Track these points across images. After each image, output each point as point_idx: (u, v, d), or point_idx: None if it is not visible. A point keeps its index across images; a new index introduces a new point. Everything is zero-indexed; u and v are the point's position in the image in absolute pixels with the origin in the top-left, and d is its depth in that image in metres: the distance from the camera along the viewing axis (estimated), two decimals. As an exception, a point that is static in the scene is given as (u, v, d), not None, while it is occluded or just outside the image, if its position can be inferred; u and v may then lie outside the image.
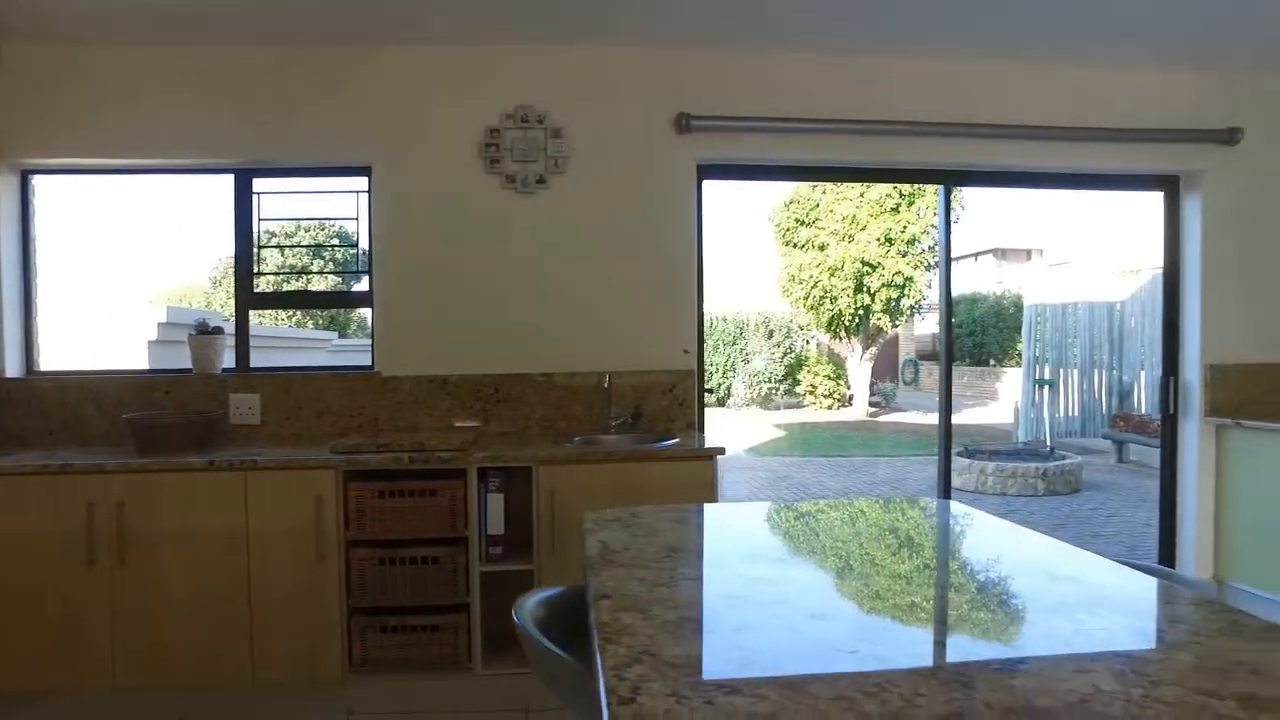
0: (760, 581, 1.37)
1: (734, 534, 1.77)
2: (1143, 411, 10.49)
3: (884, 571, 1.48)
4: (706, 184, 3.65)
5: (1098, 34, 3.44)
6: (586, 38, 3.42)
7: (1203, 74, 3.89)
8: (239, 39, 3.30)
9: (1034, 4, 3.15)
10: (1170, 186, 4.05)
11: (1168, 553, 4.10)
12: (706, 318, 14.66)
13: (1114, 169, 3.91)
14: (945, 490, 3.95)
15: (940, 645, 1.13)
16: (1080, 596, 1.31)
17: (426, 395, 3.43)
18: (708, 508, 2.00)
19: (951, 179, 3.88)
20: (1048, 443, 10.26)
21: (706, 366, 15.59)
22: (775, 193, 15.16)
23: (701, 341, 3.64)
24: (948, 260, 3.93)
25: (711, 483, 2.89)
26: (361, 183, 3.49)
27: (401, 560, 2.84)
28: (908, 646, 1.10)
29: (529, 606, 1.37)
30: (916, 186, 12.74)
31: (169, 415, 3.16)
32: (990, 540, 1.73)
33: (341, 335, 13.20)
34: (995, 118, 3.67)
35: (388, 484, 2.83)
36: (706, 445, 2.97)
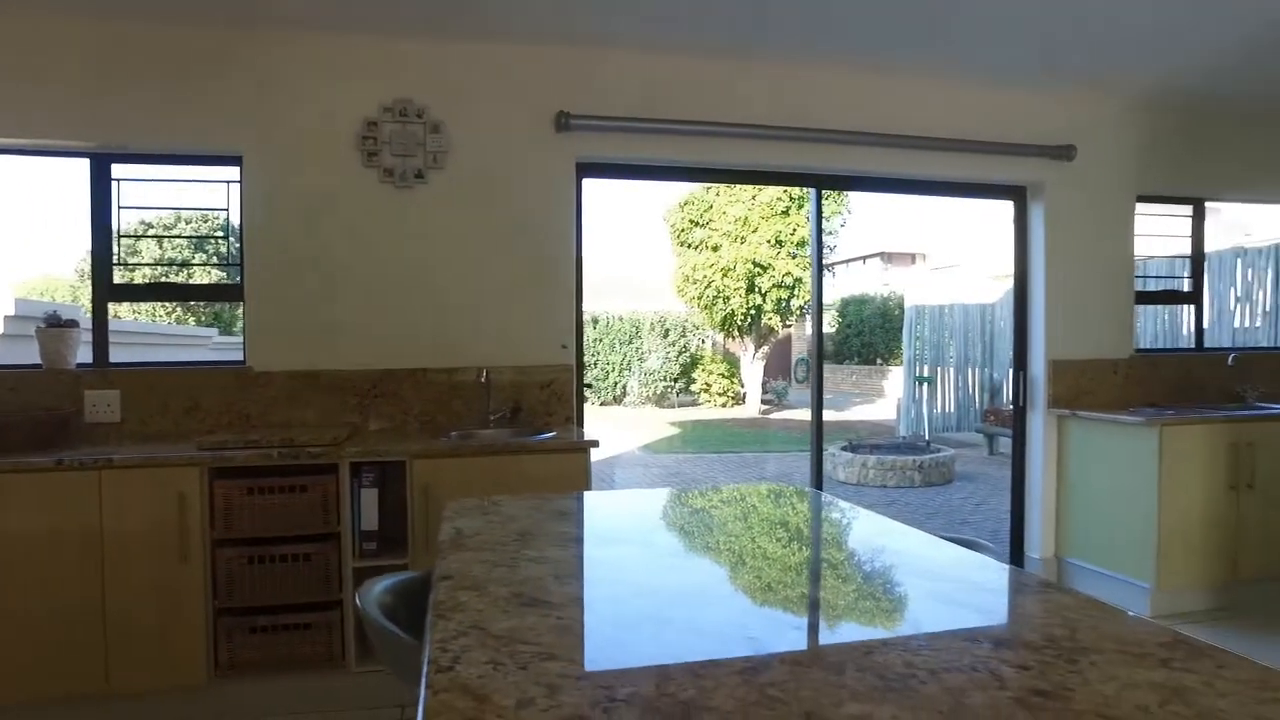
0: (598, 561, 1.44)
1: (589, 519, 1.84)
2: (1010, 406, 11.20)
3: (718, 549, 1.57)
4: (590, 182, 3.72)
5: (956, 54, 3.70)
6: (468, 33, 3.42)
7: (1044, 95, 4.22)
8: (94, 11, 3.14)
9: (898, 24, 3.36)
10: (1019, 196, 4.37)
11: (1018, 534, 4.43)
12: (603, 317, 14.60)
13: (970, 178, 4.19)
14: (818, 482, 4.14)
15: (755, 615, 1.22)
16: (889, 566, 1.44)
17: (300, 391, 3.36)
18: (571, 496, 2.06)
19: (822, 183, 4.07)
20: (926, 437, 10.81)
21: (603, 365, 15.77)
22: (671, 193, 15.41)
23: (580, 337, 3.70)
24: (819, 262, 4.13)
25: (585, 474, 2.95)
26: (232, 172, 3.38)
27: (271, 558, 2.79)
28: (732, 616, 1.19)
29: (376, 593, 1.40)
30: (805, 190, 13.19)
31: (13, 414, 2.99)
32: (824, 521, 1.85)
33: (224, 332, 12.63)
34: (863, 126, 3.87)
35: (256, 481, 2.78)
36: (581, 439, 3.03)
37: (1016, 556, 4.43)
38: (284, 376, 3.34)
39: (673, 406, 15.74)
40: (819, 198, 4.12)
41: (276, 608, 2.80)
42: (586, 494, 2.19)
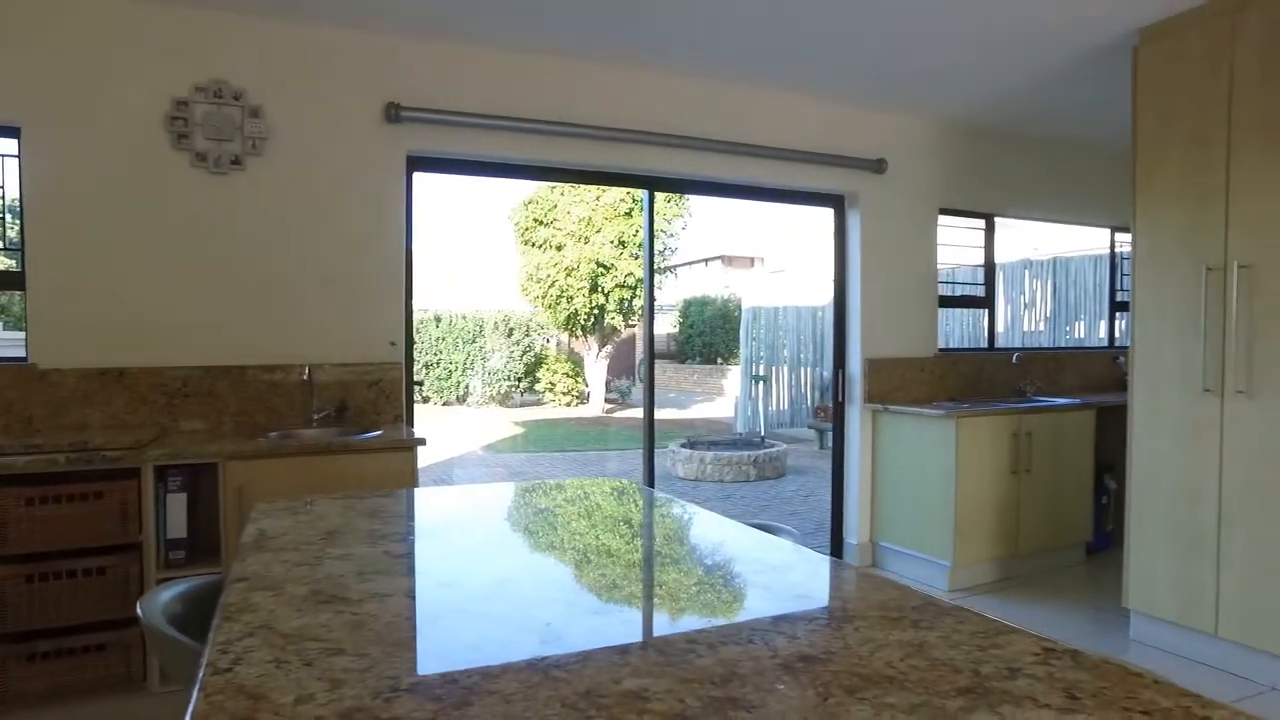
0: (406, 556, 1.43)
1: (404, 515, 1.81)
2: (837, 403, 11.91)
3: (530, 543, 1.60)
4: (434, 178, 3.64)
5: (786, 69, 3.90)
6: (293, 13, 3.26)
7: (862, 112, 4.54)
8: None
9: (733, 36, 3.50)
10: (838, 205, 4.67)
11: (838, 521, 4.73)
12: (446, 316, 14.17)
13: (794, 185, 4.43)
14: (650, 478, 4.25)
15: (556, 601, 1.25)
16: (704, 559, 1.51)
17: (97, 390, 3.08)
18: (389, 494, 2.02)
19: (655, 185, 4.19)
20: (761, 433, 11.31)
21: (446, 365, 15.40)
22: (516, 191, 15.29)
23: (410, 334, 3.62)
24: (650, 263, 4.24)
25: (412, 473, 2.90)
26: (9, 146, 3.05)
27: (56, 575, 2.55)
28: (525, 608, 1.21)
29: (163, 601, 1.32)
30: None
31: None
32: (650, 514, 1.92)
33: (9, 327, 11.30)
34: (697, 131, 4.02)
35: (38, 490, 2.52)
36: (408, 437, 2.97)
37: (836, 542, 4.73)
38: (76, 375, 3.06)
39: (517, 406, 15.62)
40: (651, 200, 4.23)
41: (63, 630, 2.56)
42: (404, 491, 2.15)
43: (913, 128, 4.73)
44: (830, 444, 11.35)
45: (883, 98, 4.40)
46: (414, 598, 1.19)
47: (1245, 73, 3.10)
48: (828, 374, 12.24)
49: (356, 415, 3.39)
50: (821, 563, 1.43)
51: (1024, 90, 4.24)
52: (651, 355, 4.28)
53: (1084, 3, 3.25)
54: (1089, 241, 5.94)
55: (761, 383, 12.03)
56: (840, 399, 4.71)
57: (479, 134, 3.60)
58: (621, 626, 1.13)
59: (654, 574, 1.39)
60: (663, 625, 1.12)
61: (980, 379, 5.04)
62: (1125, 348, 5.93)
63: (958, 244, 5.04)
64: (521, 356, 15.65)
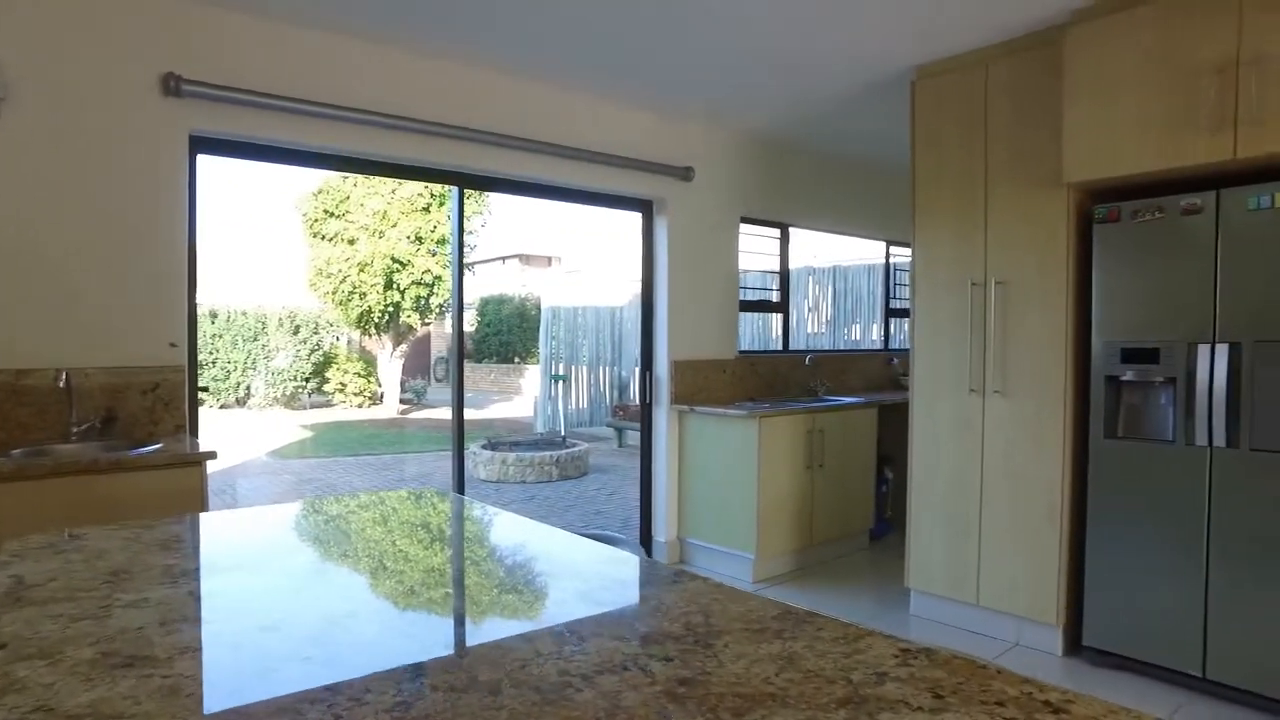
0: (218, 596, 1.24)
1: (206, 546, 1.59)
2: (637, 401, 12.19)
3: (356, 564, 1.45)
4: (206, 159, 3.25)
5: (603, 74, 3.88)
6: (35, -38, 2.78)
7: (672, 121, 4.64)
8: None
9: (551, 35, 3.43)
10: (647, 209, 4.74)
11: (647, 519, 4.81)
12: (223, 311, 12.92)
13: (606, 188, 4.44)
14: (460, 483, 4.09)
15: (397, 637, 1.14)
16: (531, 569, 1.44)
17: None
18: (182, 521, 1.76)
19: (465, 182, 4.03)
20: (562, 432, 11.32)
21: (224, 364, 14.04)
22: (305, 180, 14.24)
23: (194, 333, 3.22)
24: (460, 261, 4.08)
25: (199, 492, 2.57)
26: None
27: None
28: (371, 653, 1.09)
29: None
30: (447, 187, 13.05)
31: None
32: (460, 526, 1.82)
33: None
34: (511, 129, 3.90)
35: None
36: (194, 450, 2.63)
37: (645, 540, 4.80)
38: None
39: (304, 408, 14.55)
40: (461, 196, 4.07)
41: None
42: (203, 516, 1.89)
43: (718, 139, 4.90)
44: (629, 442, 11.64)
45: (691, 110, 4.53)
46: (238, 646, 1.02)
47: (996, 117, 3.49)
48: (626, 373, 12.50)
49: (128, 426, 2.96)
50: (669, 574, 1.42)
51: (816, 112, 4.53)
52: (460, 354, 4.12)
53: (864, 40, 3.51)
54: (864, 252, 6.47)
55: (561, 382, 12.04)
56: (648, 400, 4.79)
57: (277, 117, 3.27)
58: (479, 659, 1.04)
59: (502, 597, 1.30)
60: (523, 656, 1.04)
61: (776, 380, 5.33)
62: (899, 350, 6.54)
63: (753, 251, 5.30)
64: (309, 356, 14.59)
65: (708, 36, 3.46)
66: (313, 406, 14.72)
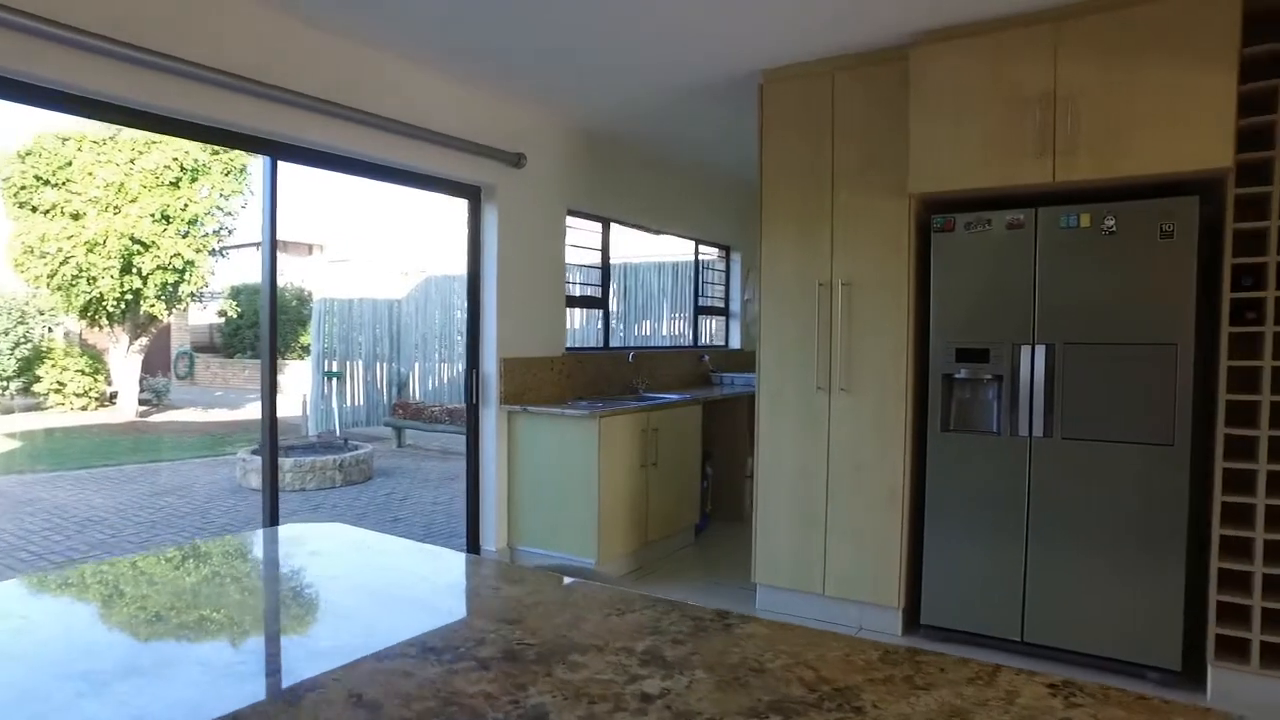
0: None
1: None
2: (418, 399, 11.50)
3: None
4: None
5: (439, 46, 3.47)
6: None
7: (505, 103, 4.31)
8: None
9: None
10: (475, 196, 4.37)
11: (474, 527, 4.44)
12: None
13: (435, 170, 4.01)
14: (273, 501, 3.49)
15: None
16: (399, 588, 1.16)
17: None
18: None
19: (279, 152, 3.43)
20: (338, 433, 10.39)
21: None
22: (6, 138, 11.79)
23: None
24: (273, 244, 3.47)
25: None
26: None
27: None
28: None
29: None
30: (200, 162, 11.43)
31: None
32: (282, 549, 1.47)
33: None
34: (338, 97, 3.38)
35: None
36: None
37: (473, 549, 4.44)
38: None
39: (9, 412, 12.08)
40: (274, 169, 3.46)
41: None
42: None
43: (550, 127, 4.64)
44: (409, 442, 10.94)
45: (526, 94, 4.23)
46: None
47: (844, 124, 3.59)
48: (405, 369, 11.76)
49: None
50: (592, 588, 1.20)
51: (653, 107, 4.43)
52: (274, 348, 3.51)
53: (710, 40, 3.45)
54: (673, 249, 6.52)
55: (335, 379, 11.09)
56: (474, 400, 4.43)
57: (31, 45, 2.53)
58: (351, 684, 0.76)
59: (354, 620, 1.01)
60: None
61: (600, 377, 5.18)
62: (709, 347, 6.67)
63: (576, 245, 5.10)
64: (13, 350, 12.13)
65: (554, 22, 3.21)
66: (21, 410, 12.25)
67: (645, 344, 6.48)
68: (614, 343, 5.66)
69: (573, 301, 5.09)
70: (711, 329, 6.81)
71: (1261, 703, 2.89)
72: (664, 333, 6.77)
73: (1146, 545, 3.05)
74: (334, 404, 10.85)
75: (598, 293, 5.36)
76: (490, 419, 4.41)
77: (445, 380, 11.55)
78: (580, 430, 4.16)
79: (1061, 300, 3.16)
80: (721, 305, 6.82)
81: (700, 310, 6.54)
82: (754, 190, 3.90)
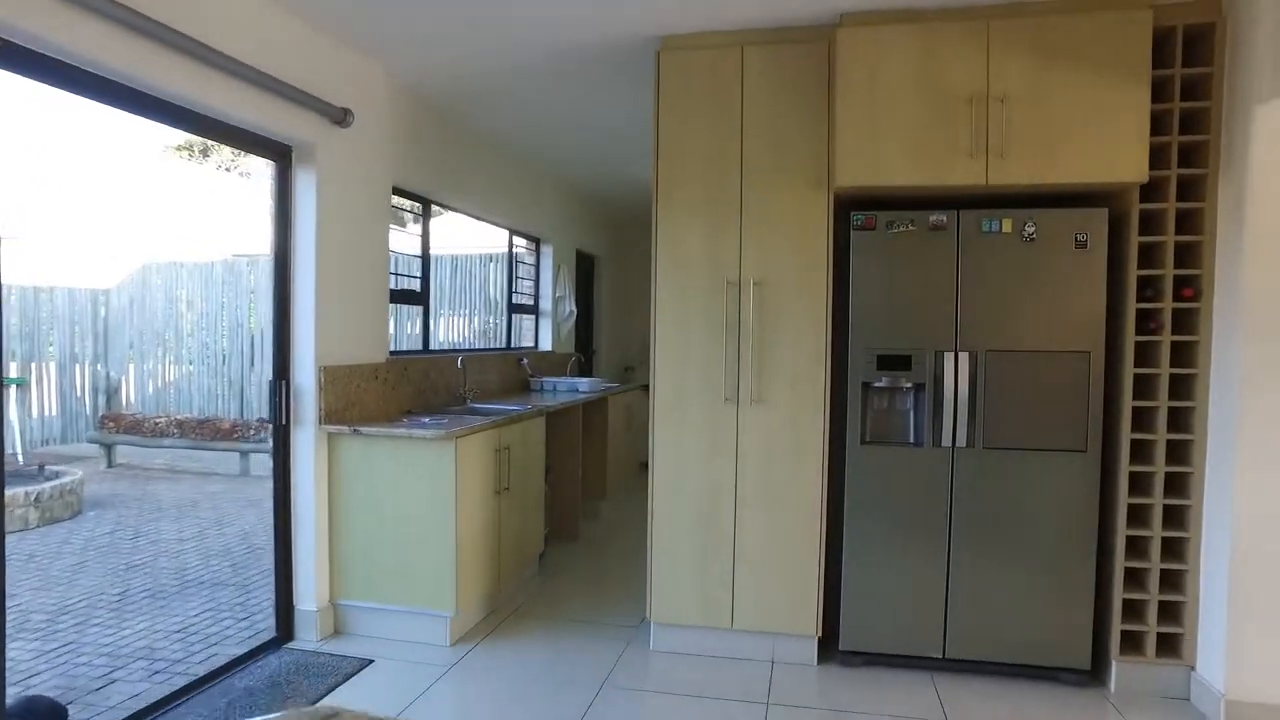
0: None
1: None
2: (135, 408, 9.31)
3: None
4: None
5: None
6: None
7: (327, 47, 3.30)
8: None
9: None
10: (284, 157, 3.29)
11: (285, 580, 3.35)
12: None
13: (230, 114, 2.89)
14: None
15: None
16: None
17: None
18: None
19: (11, 62, 2.19)
20: (20, 458, 8.06)
21: None
22: None
23: None
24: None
25: None
26: None
27: None
28: None
29: None
30: None
31: None
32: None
33: None
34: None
35: None
36: None
37: (284, 610, 3.34)
38: None
39: None
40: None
41: None
42: None
43: (380, 84, 3.66)
44: (121, 459, 8.72)
45: (353, 37, 3.25)
46: None
47: (755, 106, 3.14)
48: (116, 373, 9.46)
49: None
50: None
51: (505, 71, 3.65)
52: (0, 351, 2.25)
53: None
54: (485, 240, 5.70)
55: (18, 386, 8.64)
56: (284, 421, 3.34)
57: None
58: None
59: None
60: None
61: (427, 386, 4.27)
62: (525, 349, 5.91)
63: (396, 228, 4.14)
64: None
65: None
66: None
67: (458, 347, 5.56)
68: (432, 345, 4.73)
69: (394, 297, 4.11)
70: (521, 329, 6.07)
71: (1157, 689, 2.91)
72: (472, 333, 5.90)
73: (1061, 551, 2.96)
74: (13, 417, 8.43)
75: (417, 285, 4.42)
76: (306, 443, 3.34)
77: (172, 382, 9.48)
78: (432, 455, 3.28)
79: (984, 307, 2.97)
80: (531, 303, 6.11)
81: (515, 309, 5.78)
82: (569, 179, 3.31)
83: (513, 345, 5.78)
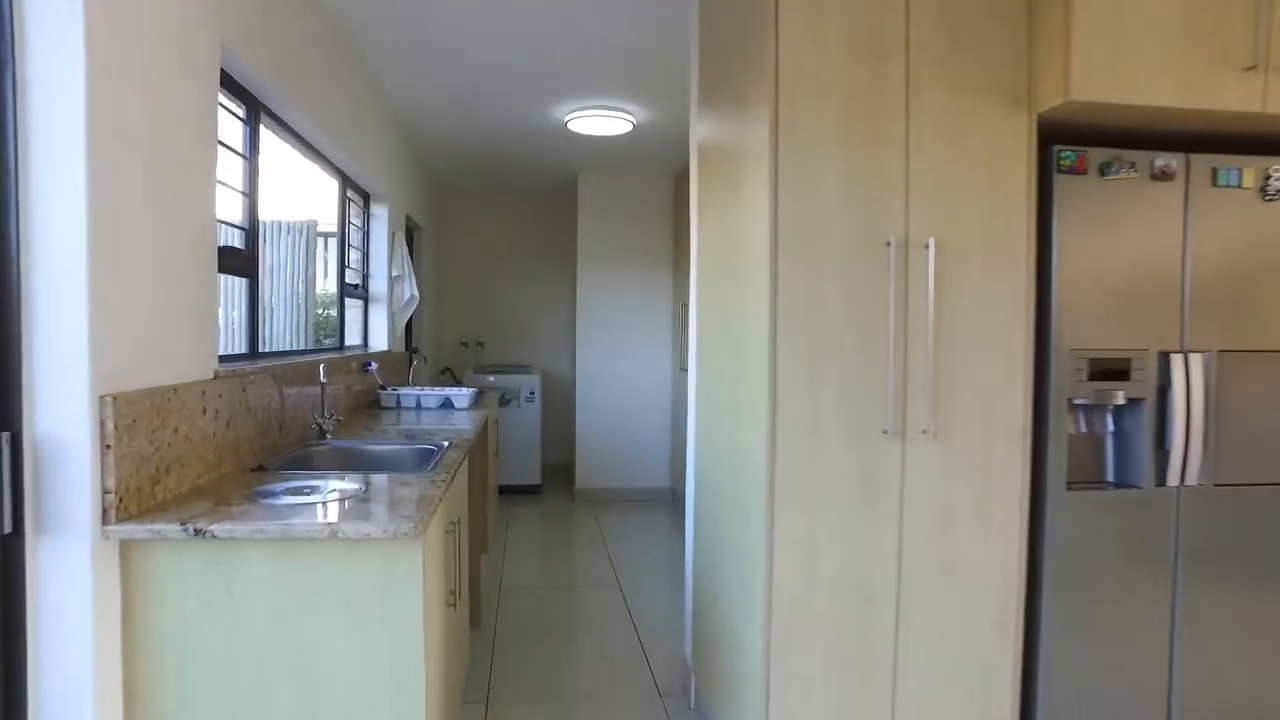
0: None
1: None
2: None
3: None
4: None
5: None
6: None
7: None
8: None
9: None
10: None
11: None
12: None
13: None
14: None
15: None
16: None
17: None
18: None
19: None
20: None
21: None
22: None
23: None
24: None
25: None
26: None
27: None
28: None
29: None
30: None
31: None
32: None
33: None
34: None
35: None
36: None
37: None
38: None
39: None
40: None
41: None
42: None
43: None
44: None
45: None
46: None
47: (926, -38, 1.90)
48: None
49: None
50: None
51: None
52: None
53: None
54: (301, 196, 3.72)
55: None
56: (7, 525, 1.39)
57: None
58: None
59: None
60: None
61: (268, 416, 2.38)
62: (356, 348, 4.02)
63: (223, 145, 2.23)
64: None
65: None
66: None
67: (286, 349, 3.51)
68: (262, 345, 2.76)
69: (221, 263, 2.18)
70: (346, 321, 4.14)
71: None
72: (294, 328, 3.85)
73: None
74: None
75: (240, 242, 2.49)
76: (73, 574, 1.43)
77: None
78: (380, 571, 1.57)
79: (1218, 291, 2.05)
80: (359, 283, 4.20)
81: (348, 292, 3.89)
82: (412, 115, 1.93)
83: (345, 345, 3.88)
